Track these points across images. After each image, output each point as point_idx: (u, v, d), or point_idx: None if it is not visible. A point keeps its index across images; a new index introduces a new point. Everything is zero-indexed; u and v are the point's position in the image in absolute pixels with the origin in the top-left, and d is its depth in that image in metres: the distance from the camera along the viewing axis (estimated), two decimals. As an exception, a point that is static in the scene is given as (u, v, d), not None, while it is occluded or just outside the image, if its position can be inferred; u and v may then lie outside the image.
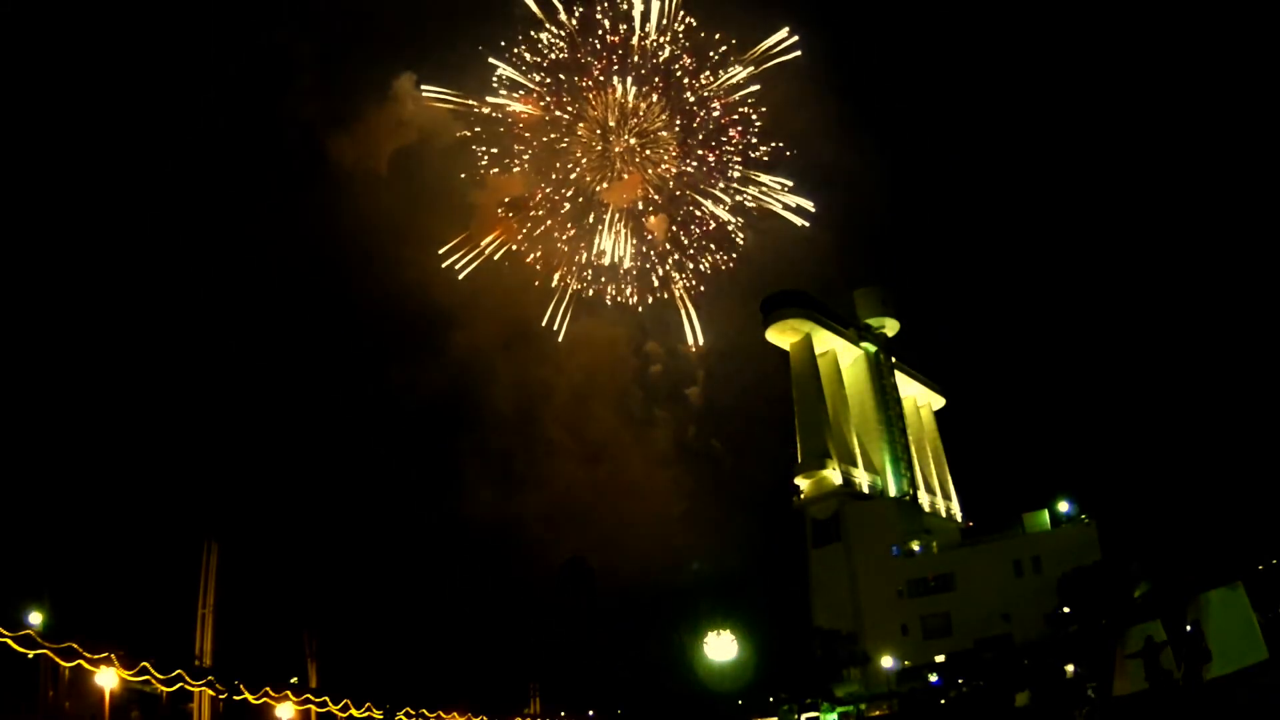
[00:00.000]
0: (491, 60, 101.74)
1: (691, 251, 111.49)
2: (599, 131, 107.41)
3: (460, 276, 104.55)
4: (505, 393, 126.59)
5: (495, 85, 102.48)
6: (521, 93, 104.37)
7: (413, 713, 49.98)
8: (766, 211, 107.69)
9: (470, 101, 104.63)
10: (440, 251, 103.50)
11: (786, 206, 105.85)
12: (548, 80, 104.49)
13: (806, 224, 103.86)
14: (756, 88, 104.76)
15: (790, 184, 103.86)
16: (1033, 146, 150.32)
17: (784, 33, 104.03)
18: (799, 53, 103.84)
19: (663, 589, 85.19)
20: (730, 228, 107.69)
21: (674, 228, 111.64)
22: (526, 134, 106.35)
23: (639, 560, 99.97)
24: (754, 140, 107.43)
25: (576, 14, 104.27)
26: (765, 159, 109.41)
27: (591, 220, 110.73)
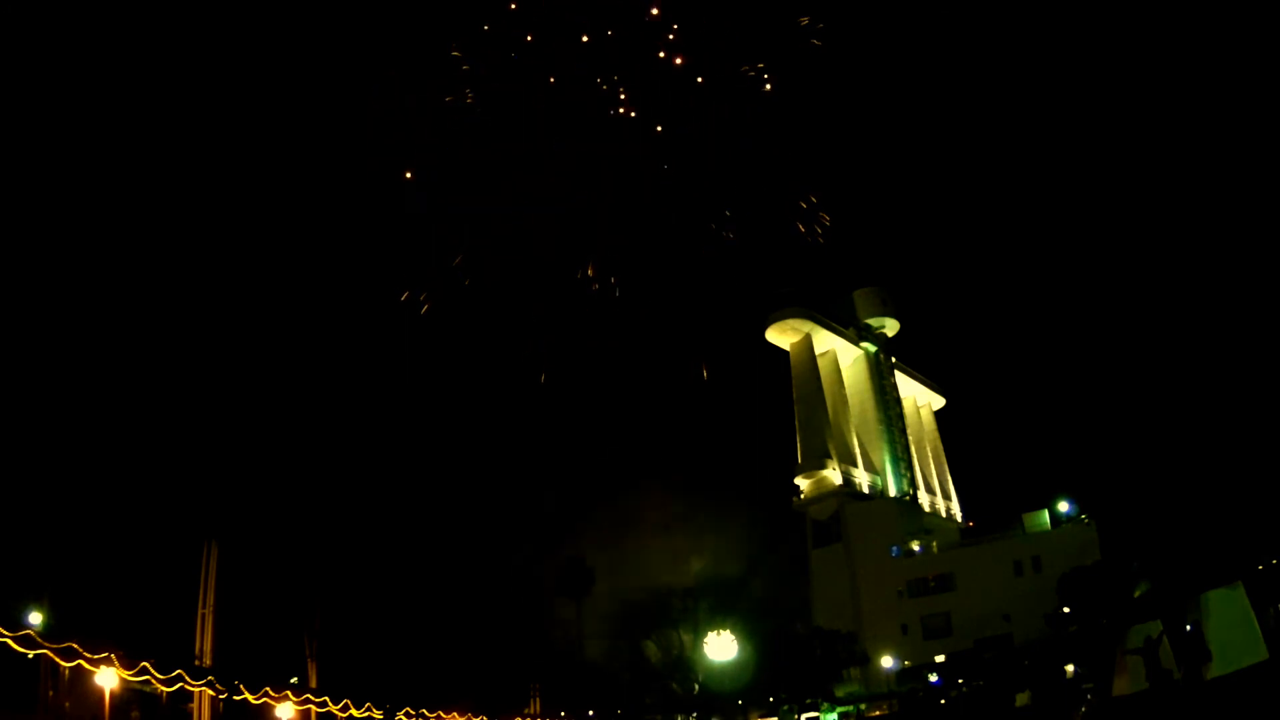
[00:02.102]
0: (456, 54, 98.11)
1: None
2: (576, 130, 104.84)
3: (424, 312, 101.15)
4: (498, 389, 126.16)
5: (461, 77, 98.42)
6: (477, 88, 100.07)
7: (413, 713, 49.95)
8: (774, 218, 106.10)
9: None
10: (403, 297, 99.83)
11: (808, 229, 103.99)
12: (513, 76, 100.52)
13: (821, 240, 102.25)
14: (766, 89, 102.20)
15: (814, 199, 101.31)
16: (1033, 145, 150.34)
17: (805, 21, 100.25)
18: (818, 41, 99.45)
19: (662, 589, 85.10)
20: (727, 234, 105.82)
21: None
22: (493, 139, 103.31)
23: (638, 560, 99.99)
24: (753, 133, 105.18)
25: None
26: (766, 160, 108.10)
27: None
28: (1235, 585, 40.74)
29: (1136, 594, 57.01)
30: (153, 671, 33.29)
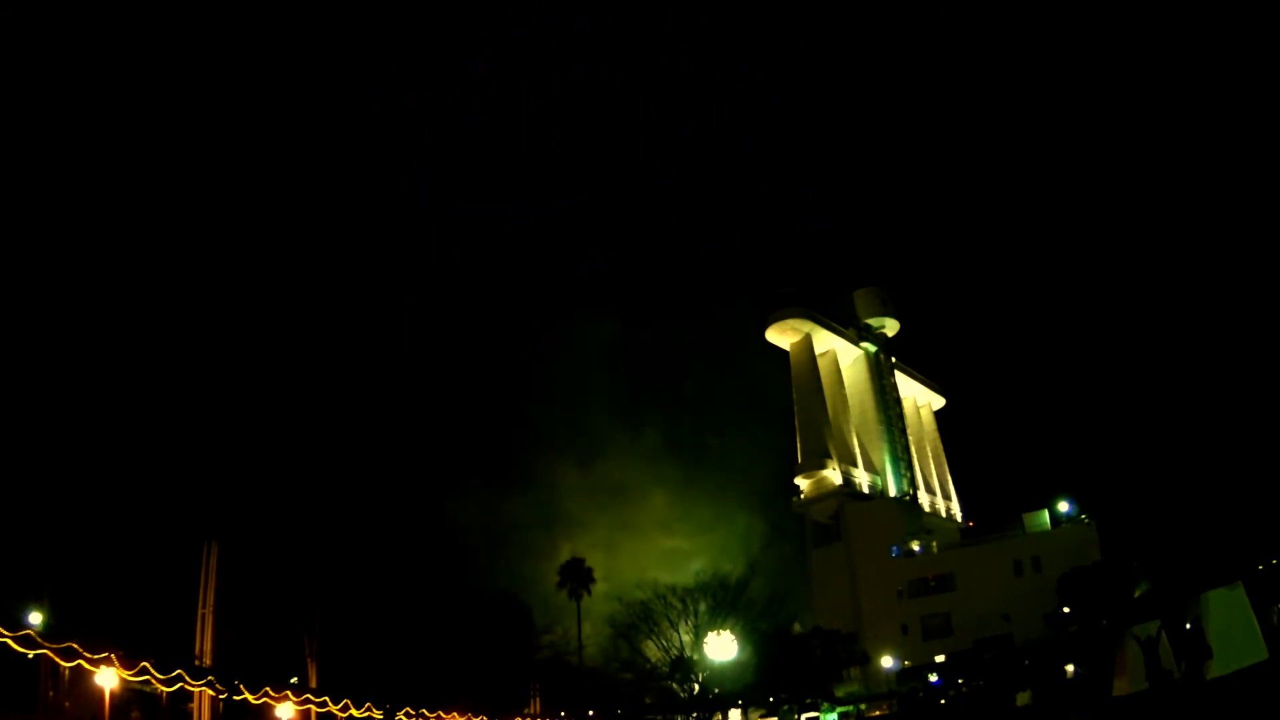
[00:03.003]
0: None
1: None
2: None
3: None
4: (494, 387, 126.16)
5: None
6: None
7: (413, 713, 49.89)
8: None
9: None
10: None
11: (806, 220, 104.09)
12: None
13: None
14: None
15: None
16: (1033, 145, 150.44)
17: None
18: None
19: (662, 589, 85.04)
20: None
21: None
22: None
23: (638, 560, 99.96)
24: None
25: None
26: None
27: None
28: (1235, 585, 40.80)
29: (1136, 594, 57.07)
30: (153, 671, 33.25)
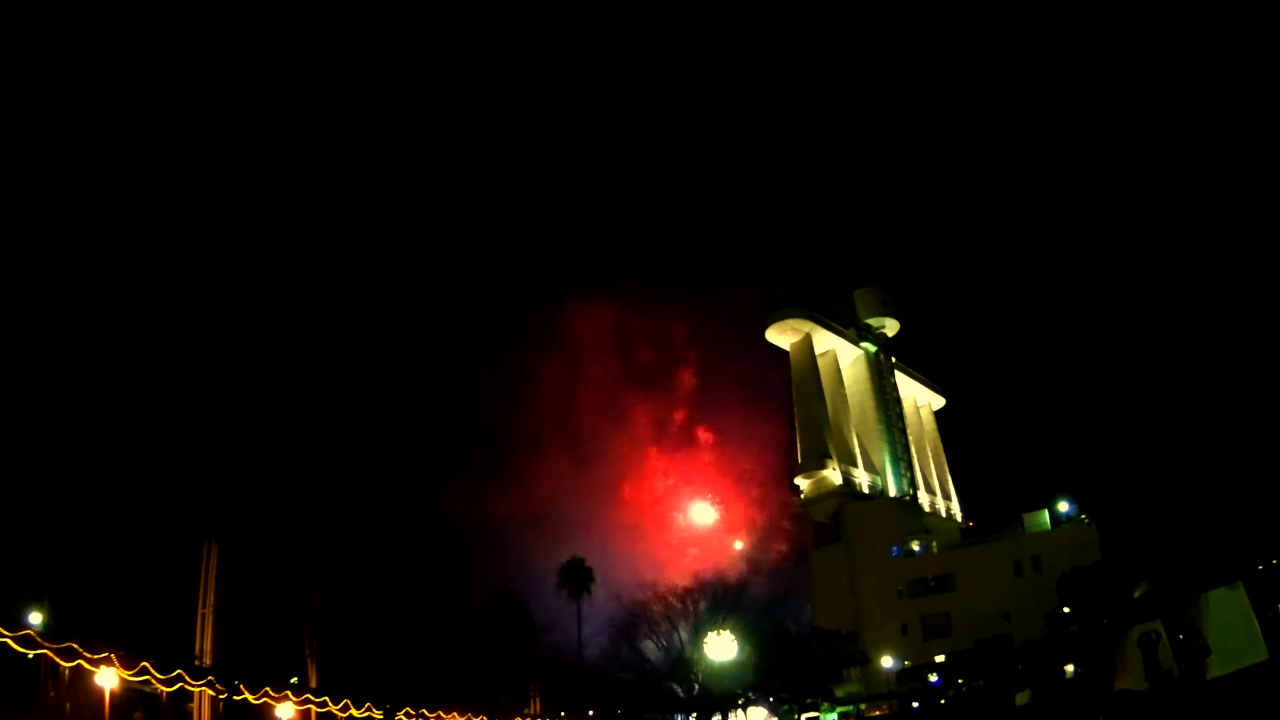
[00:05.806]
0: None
1: None
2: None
3: None
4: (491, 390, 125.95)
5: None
6: None
7: (413, 713, 49.92)
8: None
9: None
10: None
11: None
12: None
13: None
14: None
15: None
16: (1033, 145, 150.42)
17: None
18: None
19: (662, 589, 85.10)
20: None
21: None
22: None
23: (637, 560, 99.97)
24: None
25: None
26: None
27: None
28: (1235, 585, 40.81)
29: (1136, 594, 57.09)
30: (153, 671, 33.30)
